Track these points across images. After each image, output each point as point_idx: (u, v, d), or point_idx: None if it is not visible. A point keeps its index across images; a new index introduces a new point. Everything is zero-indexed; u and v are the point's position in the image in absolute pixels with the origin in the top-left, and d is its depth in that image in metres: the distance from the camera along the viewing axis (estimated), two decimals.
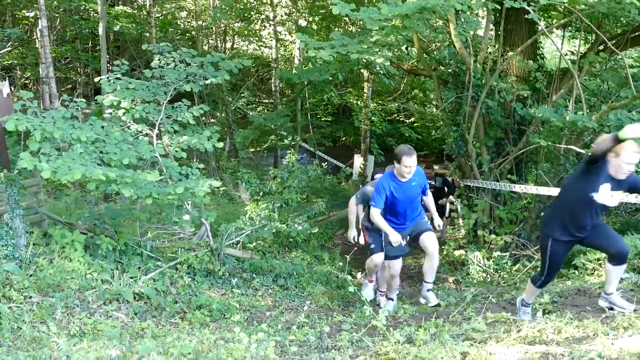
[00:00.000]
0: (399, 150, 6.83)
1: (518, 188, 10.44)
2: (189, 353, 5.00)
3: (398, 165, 6.72)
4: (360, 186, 15.20)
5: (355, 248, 9.21)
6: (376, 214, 6.98)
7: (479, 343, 4.94)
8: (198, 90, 9.78)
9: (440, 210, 9.70)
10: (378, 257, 7.85)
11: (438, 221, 7.33)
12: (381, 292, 8.47)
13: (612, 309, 5.87)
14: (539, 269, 5.92)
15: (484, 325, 5.59)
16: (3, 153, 8.89)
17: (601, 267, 8.47)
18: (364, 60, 12.55)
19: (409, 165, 6.65)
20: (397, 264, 7.81)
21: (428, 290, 7.76)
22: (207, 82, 9.59)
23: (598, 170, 5.33)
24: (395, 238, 6.95)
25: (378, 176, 8.99)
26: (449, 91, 13.57)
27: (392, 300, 8.07)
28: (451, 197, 13.32)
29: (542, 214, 6.07)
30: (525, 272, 9.89)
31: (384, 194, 6.95)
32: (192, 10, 26.09)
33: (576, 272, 8.98)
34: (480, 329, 5.47)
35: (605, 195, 5.37)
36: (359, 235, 8.78)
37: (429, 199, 7.68)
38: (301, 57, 22.61)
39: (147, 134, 8.79)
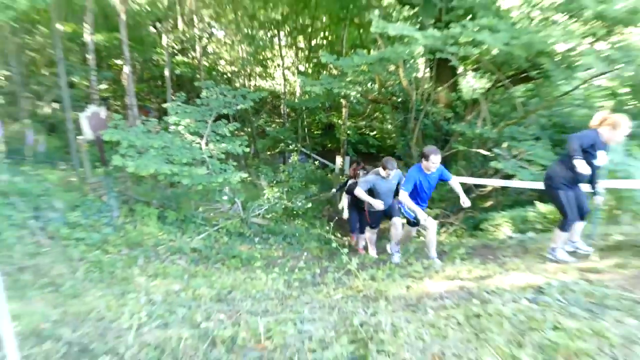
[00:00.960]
0: (429, 150, 6.14)
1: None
2: (227, 287, 5.04)
3: (426, 162, 6.12)
4: (341, 177, 15.28)
5: (336, 218, 9.25)
6: (405, 196, 6.27)
7: (418, 280, 4.99)
8: (232, 113, 9.76)
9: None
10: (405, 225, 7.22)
11: (464, 198, 6.31)
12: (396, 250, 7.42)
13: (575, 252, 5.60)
14: (561, 218, 5.25)
15: (421, 268, 5.65)
16: (102, 155, 8.89)
17: (499, 229, 8.53)
18: (343, 93, 12.56)
19: (435, 162, 6.10)
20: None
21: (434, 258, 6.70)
22: (238, 107, 9.61)
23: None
24: (423, 215, 6.26)
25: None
26: (398, 114, 13.65)
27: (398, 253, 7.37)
28: None
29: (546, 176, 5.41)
30: (449, 232, 9.96)
31: (414, 181, 6.30)
32: (228, 59, 25.97)
33: (481, 232, 9.05)
34: (418, 270, 5.52)
35: (602, 159, 5.11)
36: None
37: (455, 182, 6.68)
38: (301, 91, 22.57)
39: (198, 143, 8.80)
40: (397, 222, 7.28)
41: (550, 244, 5.39)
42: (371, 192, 7.22)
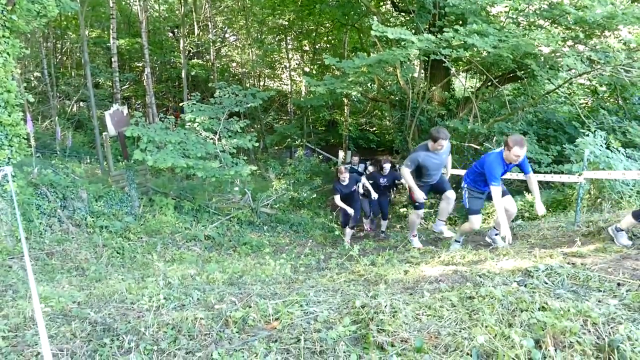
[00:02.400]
0: (514, 140, 4.95)
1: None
2: (238, 271, 5.00)
3: (508, 152, 4.95)
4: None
5: (339, 208, 9.21)
6: (499, 192, 5.04)
7: (415, 265, 4.95)
8: (243, 111, 9.71)
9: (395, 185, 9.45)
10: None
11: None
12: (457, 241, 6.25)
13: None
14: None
15: (418, 254, 5.60)
16: (124, 150, 8.87)
17: (490, 217, 8.48)
18: (345, 93, 12.49)
19: (518, 154, 4.94)
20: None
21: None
22: (248, 105, 9.57)
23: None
24: (505, 224, 5.20)
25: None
26: (396, 111, 13.57)
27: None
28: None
29: None
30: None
31: (501, 170, 5.11)
32: (239, 62, 25.91)
33: None
34: (416, 256, 5.47)
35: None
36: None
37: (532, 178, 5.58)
38: (306, 91, 22.52)
39: (212, 138, 8.77)
40: (451, 195, 6.17)
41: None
42: (418, 170, 6.00)
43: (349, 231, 8.17)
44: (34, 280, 2.79)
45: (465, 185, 5.60)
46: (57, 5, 6.35)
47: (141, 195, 8.22)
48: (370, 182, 8.34)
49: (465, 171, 5.95)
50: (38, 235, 6.04)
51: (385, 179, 8.60)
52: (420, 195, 5.89)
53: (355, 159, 11.00)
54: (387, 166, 8.56)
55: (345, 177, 7.81)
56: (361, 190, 8.50)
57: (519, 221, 7.45)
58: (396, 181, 8.86)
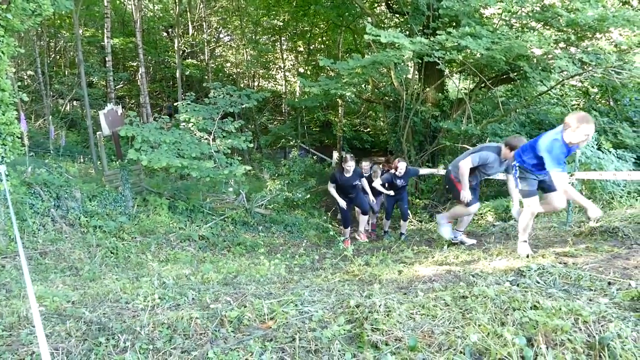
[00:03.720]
0: (580, 118, 4.15)
1: (433, 170, 10.50)
2: (233, 271, 5.01)
3: (572, 133, 4.14)
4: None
5: (333, 208, 9.22)
6: (564, 178, 4.31)
7: (409, 265, 4.97)
8: (237, 111, 9.70)
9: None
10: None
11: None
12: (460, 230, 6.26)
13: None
14: None
15: (412, 254, 5.63)
16: (118, 149, 8.84)
17: (483, 218, 8.52)
18: (339, 93, 12.51)
19: (588, 133, 4.13)
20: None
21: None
22: (243, 106, 9.57)
23: None
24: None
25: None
26: (390, 112, 13.62)
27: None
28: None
29: None
30: (436, 221, 9.95)
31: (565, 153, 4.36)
32: (233, 62, 25.87)
33: None
34: (409, 256, 5.50)
35: None
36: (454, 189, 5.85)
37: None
38: (300, 91, 22.52)
39: (206, 138, 8.74)
40: (474, 210, 5.90)
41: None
42: (475, 170, 5.61)
43: (348, 234, 7.94)
44: (30, 280, 2.78)
45: (517, 164, 4.84)
46: (52, 4, 6.32)
47: (135, 195, 8.19)
48: (386, 184, 8.01)
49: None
50: (31, 234, 6.01)
51: (401, 180, 7.99)
52: (467, 196, 5.50)
53: (366, 164, 8.81)
54: (402, 165, 7.91)
55: (350, 167, 7.38)
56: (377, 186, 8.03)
57: (512, 221, 7.49)
58: (418, 175, 8.46)
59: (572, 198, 4.51)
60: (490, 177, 6.79)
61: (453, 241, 6.17)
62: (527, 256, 4.54)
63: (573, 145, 4.33)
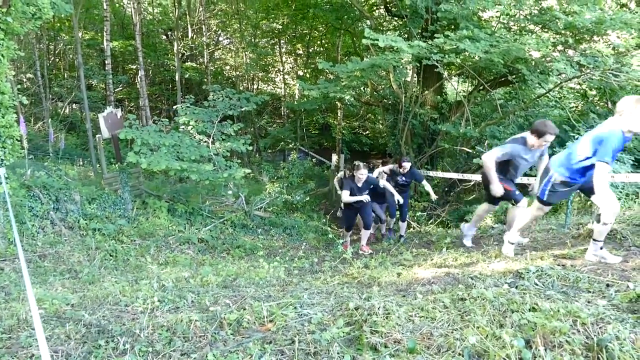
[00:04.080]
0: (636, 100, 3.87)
1: (432, 173, 10.49)
2: (232, 274, 5.01)
3: (625, 121, 3.87)
4: (336, 174, 15.01)
5: (332, 211, 9.23)
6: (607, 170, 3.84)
7: (408, 267, 4.97)
8: (237, 114, 9.71)
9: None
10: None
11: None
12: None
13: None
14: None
15: (411, 257, 5.63)
16: (117, 152, 8.84)
17: (482, 220, 8.51)
18: (338, 96, 12.52)
19: None
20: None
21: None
22: (242, 109, 9.59)
23: None
24: None
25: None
26: (389, 115, 13.63)
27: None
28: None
29: None
30: (436, 223, 9.94)
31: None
32: (233, 65, 25.90)
33: (466, 223, 9.01)
34: (408, 259, 5.50)
35: None
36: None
37: None
38: (300, 94, 22.56)
39: (205, 141, 8.76)
40: (524, 205, 5.22)
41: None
42: (503, 166, 5.16)
43: (348, 237, 7.77)
44: (30, 283, 2.78)
45: (556, 178, 4.37)
46: (51, 7, 6.34)
47: (134, 198, 8.19)
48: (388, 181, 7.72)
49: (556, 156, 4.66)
50: (30, 237, 6.01)
51: (403, 178, 7.85)
52: (499, 189, 5.02)
53: (387, 169, 8.20)
54: (407, 165, 7.74)
55: (362, 176, 6.92)
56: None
57: None
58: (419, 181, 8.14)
59: (600, 196, 3.94)
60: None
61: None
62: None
63: (630, 134, 3.95)
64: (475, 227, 6.20)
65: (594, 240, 4.15)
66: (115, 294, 3.82)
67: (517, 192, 5.23)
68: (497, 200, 5.41)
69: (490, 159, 5.01)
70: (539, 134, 4.74)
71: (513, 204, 5.34)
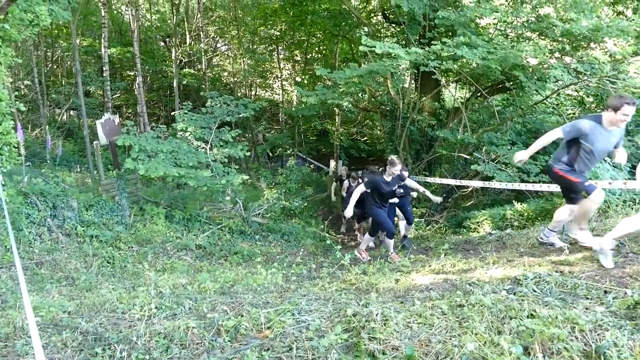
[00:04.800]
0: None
1: (429, 179, 10.51)
2: (230, 281, 5.00)
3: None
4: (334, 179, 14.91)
5: (330, 217, 9.23)
6: None
7: (406, 273, 4.97)
8: (234, 121, 9.72)
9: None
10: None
11: None
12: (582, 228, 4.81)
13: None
14: None
15: (409, 263, 5.63)
16: (115, 159, 8.83)
17: (479, 226, 8.52)
18: (336, 103, 12.55)
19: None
20: None
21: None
22: (240, 115, 9.60)
23: None
24: None
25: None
26: (387, 121, 13.68)
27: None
28: None
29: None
30: (434, 230, 9.93)
31: None
32: (230, 71, 25.96)
33: (464, 229, 9.04)
34: (406, 265, 5.50)
35: None
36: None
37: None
38: (297, 100, 22.60)
39: (203, 147, 8.77)
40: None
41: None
42: (575, 146, 4.51)
43: (392, 245, 6.95)
44: (26, 290, 2.77)
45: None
46: (49, 14, 6.35)
47: (132, 205, 8.18)
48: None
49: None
50: (27, 244, 5.99)
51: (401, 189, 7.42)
52: (579, 179, 4.44)
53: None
54: (405, 174, 7.27)
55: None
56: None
57: (509, 230, 7.51)
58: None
59: None
60: (487, 187, 6.24)
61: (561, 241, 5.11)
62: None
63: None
64: (557, 231, 5.32)
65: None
66: (112, 301, 3.81)
67: (587, 183, 4.49)
68: (576, 198, 4.66)
69: (552, 134, 4.50)
70: (615, 108, 4.18)
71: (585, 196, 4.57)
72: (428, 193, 7.67)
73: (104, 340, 2.80)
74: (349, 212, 6.65)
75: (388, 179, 6.61)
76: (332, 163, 19.05)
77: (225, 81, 26.60)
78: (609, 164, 7.67)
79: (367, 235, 7.26)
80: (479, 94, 11.66)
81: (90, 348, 2.70)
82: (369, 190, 6.68)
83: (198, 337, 2.80)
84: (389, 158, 6.71)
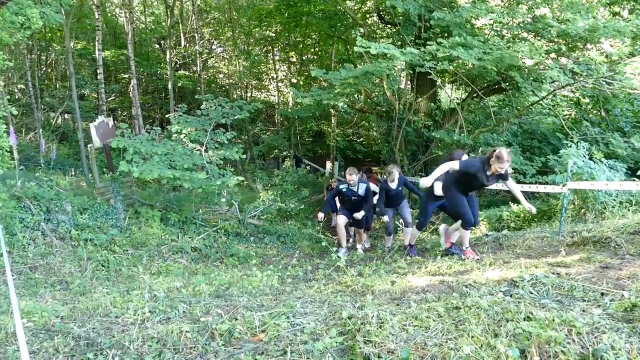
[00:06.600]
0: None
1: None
2: (225, 283, 4.98)
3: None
4: (331, 181, 14.91)
5: (326, 219, 9.20)
6: None
7: (402, 275, 4.96)
8: (230, 122, 9.70)
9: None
10: None
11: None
12: None
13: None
14: None
15: (405, 265, 5.61)
16: (109, 162, 8.80)
17: (475, 227, 8.51)
18: (332, 104, 12.55)
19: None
20: None
21: None
22: (236, 117, 9.57)
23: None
24: None
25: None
26: (383, 122, 13.70)
27: None
28: None
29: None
30: (430, 231, 9.91)
31: None
32: (226, 73, 25.95)
33: None
34: (402, 266, 5.49)
35: None
36: None
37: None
38: (293, 102, 22.60)
39: (198, 149, 8.75)
40: None
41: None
42: None
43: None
44: (16, 295, 2.74)
45: None
46: (41, 17, 6.33)
47: (127, 207, 8.14)
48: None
49: None
50: (21, 249, 5.95)
51: (395, 188, 7.44)
52: None
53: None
54: (395, 173, 7.34)
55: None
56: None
57: (505, 231, 7.51)
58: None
59: None
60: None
61: None
62: None
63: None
64: None
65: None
66: (105, 305, 3.79)
67: None
68: None
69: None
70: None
71: None
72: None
73: (96, 345, 2.78)
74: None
75: (393, 185, 7.27)
76: (328, 164, 19.04)
77: (220, 83, 26.57)
78: (605, 165, 7.69)
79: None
80: (475, 95, 11.69)
81: (82, 353, 2.67)
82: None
83: (191, 341, 2.78)
84: (387, 169, 7.38)
